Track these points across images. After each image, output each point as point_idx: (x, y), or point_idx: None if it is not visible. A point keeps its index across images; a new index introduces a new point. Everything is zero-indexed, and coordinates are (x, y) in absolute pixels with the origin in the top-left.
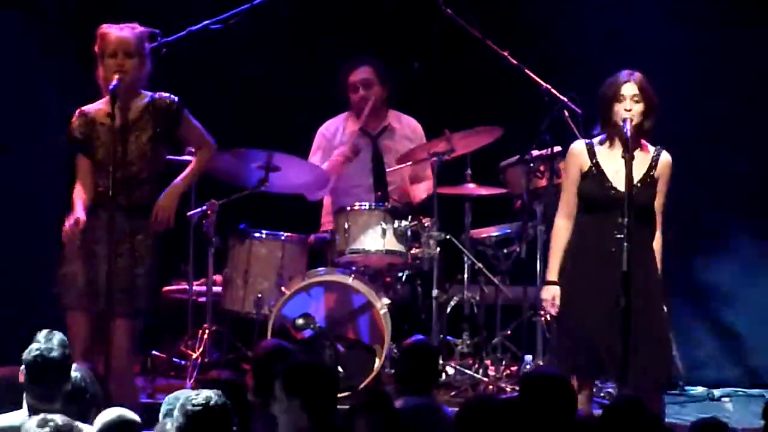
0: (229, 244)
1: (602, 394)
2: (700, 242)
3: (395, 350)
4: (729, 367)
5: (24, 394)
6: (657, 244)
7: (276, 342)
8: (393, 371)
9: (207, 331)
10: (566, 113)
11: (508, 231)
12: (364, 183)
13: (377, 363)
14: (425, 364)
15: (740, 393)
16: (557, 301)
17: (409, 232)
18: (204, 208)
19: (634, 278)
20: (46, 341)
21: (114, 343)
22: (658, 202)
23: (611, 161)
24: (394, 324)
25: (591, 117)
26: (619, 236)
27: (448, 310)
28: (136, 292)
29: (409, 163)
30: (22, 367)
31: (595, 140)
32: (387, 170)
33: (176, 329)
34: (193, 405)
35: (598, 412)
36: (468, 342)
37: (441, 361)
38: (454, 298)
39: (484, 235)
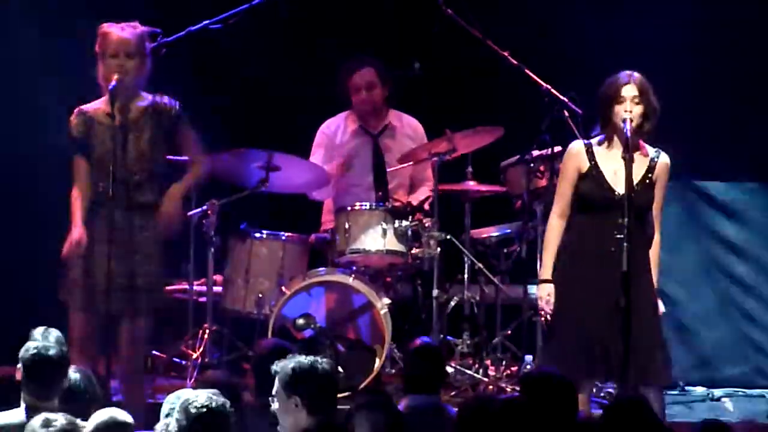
0: (230, 244)
1: (602, 394)
2: None
3: (396, 350)
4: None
5: (21, 392)
6: (655, 246)
7: (276, 342)
8: (393, 371)
9: (207, 331)
10: (566, 113)
11: (508, 231)
12: (364, 182)
13: (377, 363)
14: (432, 365)
15: (740, 393)
16: (552, 299)
17: (409, 232)
18: (204, 208)
19: (633, 278)
20: (42, 339)
21: (125, 342)
22: (656, 205)
23: (610, 162)
24: (395, 324)
25: (591, 117)
26: (618, 237)
27: (449, 310)
28: (147, 289)
29: (410, 162)
30: (19, 365)
31: (594, 141)
32: (388, 170)
33: (177, 329)
34: (196, 406)
35: (597, 412)
36: (468, 342)
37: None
38: (455, 298)
39: (485, 235)
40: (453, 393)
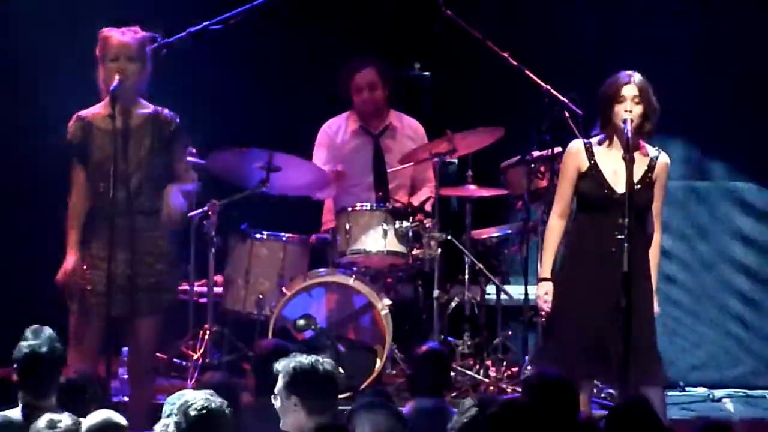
0: (231, 245)
1: (603, 395)
2: None
3: (396, 351)
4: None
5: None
6: (654, 246)
7: (276, 342)
8: (394, 372)
9: (208, 332)
10: (567, 114)
11: (509, 231)
12: (364, 182)
13: (378, 363)
14: (439, 369)
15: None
16: (550, 297)
17: (410, 233)
18: (205, 208)
19: (633, 279)
20: (35, 337)
21: (135, 343)
22: (656, 203)
23: (609, 162)
24: (395, 325)
25: (591, 118)
26: (619, 237)
27: (449, 310)
28: (157, 289)
29: (411, 163)
30: (15, 365)
31: (594, 140)
32: (388, 170)
33: (177, 330)
34: (195, 408)
35: (598, 412)
36: (469, 343)
37: None
38: (455, 298)
39: (485, 236)
40: (454, 394)
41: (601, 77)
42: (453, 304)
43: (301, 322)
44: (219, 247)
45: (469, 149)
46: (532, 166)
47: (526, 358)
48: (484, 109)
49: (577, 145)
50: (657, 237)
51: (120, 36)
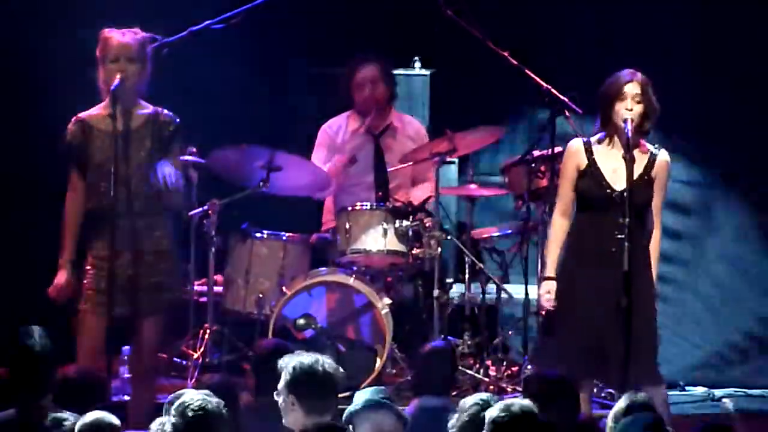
0: (231, 244)
1: (603, 395)
2: None
3: (397, 350)
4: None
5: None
6: (654, 243)
7: (276, 341)
8: (394, 371)
9: (208, 331)
10: (567, 113)
11: (509, 231)
12: (364, 181)
13: (378, 363)
14: (445, 368)
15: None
16: (552, 296)
17: (410, 232)
18: (205, 207)
19: (633, 278)
20: (27, 338)
21: (139, 342)
22: (656, 202)
23: (609, 160)
24: (395, 324)
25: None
26: (619, 236)
27: (449, 310)
28: (164, 288)
29: (411, 162)
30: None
31: (593, 139)
32: (389, 170)
33: (177, 329)
34: (192, 409)
35: (598, 412)
36: (469, 342)
37: None
38: (455, 298)
39: (486, 235)
40: (454, 393)
41: (600, 78)
42: (453, 304)
43: (302, 321)
44: (219, 247)
45: (469, 149)
46: (533, 165)
47: (526, 357)
48: (484, 109)
49: (576, 144)
50: (657, 234)
51: (120, 37)
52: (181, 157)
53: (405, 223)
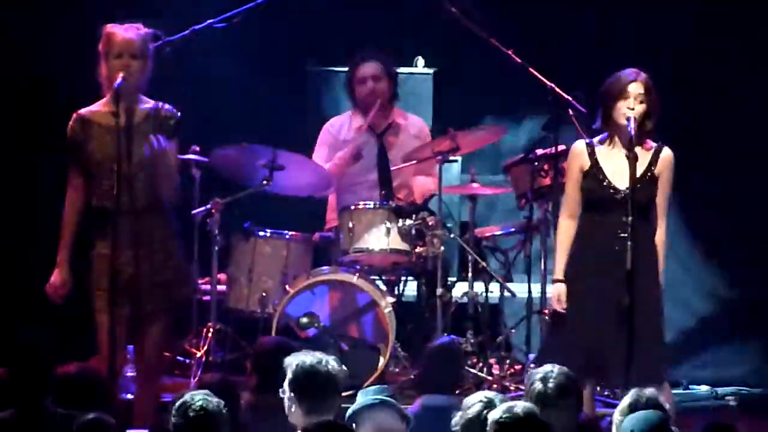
0: (234, 243)
1: (606, 393)
2: None
3: (400, 349)
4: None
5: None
6: (660, 240)
7: (277, 339)
8: (397, 370)
9: (211, 330)
10: (570, 112)
11: (512, 229)
12: (367, 179)
13: (381, 362)
14: (452, 366)
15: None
16: (563, 298)
17: (413, 231)
18: (208, 206)
19: (637, 276)
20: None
21: (146, 340)
22: (660, 198)
23: (611, 160)
24: (398, 323)
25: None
26: (622, 235)
27: (452, 308)
28: (176, 284)
29: (414, 161)
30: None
31: (596, 140)
32: (392, 168)
33: (181, 328)
34: (194, 409)
35: (601, 410)
36: (472, 341)
37: None
38: (458, 296)
39: (488, 234)
40: (457, 392)
41: (600, 77)
42: (456, 302)
43: (305, 320)
44: (222, 246)
45: (472, 147)
46: (536, 164)
47: (530, 356)
48: (487, 107)
49: (579, 146)
50: (662, 231)
51: (124, 33)
52: (184, 156)
53: (408, 221)
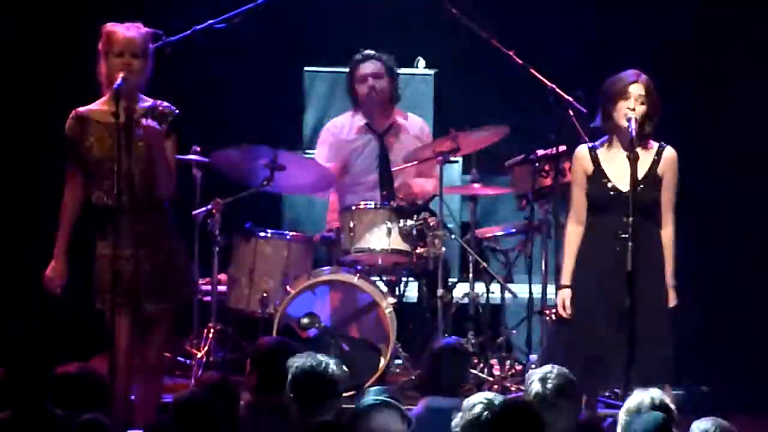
0: (234, 243)
1: (607, 393)
2: None
3: (401, 350)
4: None
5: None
6: (668, 241)
7: (277, 339)
8: (398, 370)
9: (212, 330)
10: (571, 112)
11: (513, 230)
12: (368, 180)
13: (382, 362)
14: (456, 367)
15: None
16: (569, 303)
17: (414, 231)
18: (209, 207)
19: (639, 277)
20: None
21: (149, 341)
22: (665, 198)
23: (612, 162)
24: (399, 323)
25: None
26: (623, 236)
27: (453, 309)
28: (177, 284)
29: (415, 162)
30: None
31: (598, 143)
32: (393, 168)
33: (181, 328)
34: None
35: (603, 411)
36: (473, 341)
37: None
38: (459, 297)
39: (489, 235)
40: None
41: (601, 77)
42: (457, 303)
43: (305, 320)
44: (223, 246)
45: (473, 148)
46: (537, 164)
47: (531, 356)
48: (488, 108)
49: (582, 150)
50: (670, 230)
51: (125, 31)
52: (185, 156)
53: (409, 222)
